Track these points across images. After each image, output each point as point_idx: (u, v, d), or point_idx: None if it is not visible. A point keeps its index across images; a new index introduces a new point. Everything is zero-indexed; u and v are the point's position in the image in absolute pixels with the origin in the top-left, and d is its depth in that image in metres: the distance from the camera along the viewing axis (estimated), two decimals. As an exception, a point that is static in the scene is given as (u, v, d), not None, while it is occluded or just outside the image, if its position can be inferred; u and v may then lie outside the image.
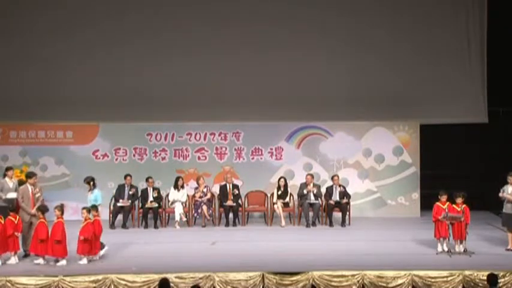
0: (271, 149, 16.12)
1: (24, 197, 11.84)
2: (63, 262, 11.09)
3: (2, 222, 11.29)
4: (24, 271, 10.62)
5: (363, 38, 15.94)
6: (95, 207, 11.65)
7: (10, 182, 13.00)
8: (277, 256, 11.61)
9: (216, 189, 15.27)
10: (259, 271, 10.46)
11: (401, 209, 15.95)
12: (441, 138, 16.12)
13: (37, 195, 12.07)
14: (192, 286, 9.46)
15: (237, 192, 14.88)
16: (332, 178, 15.07)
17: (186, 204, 14.80)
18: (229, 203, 14.63)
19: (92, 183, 12.71)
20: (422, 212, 15.63)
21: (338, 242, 12.85)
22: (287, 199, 15.00)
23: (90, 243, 11.22)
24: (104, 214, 14.78)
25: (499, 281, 9.92)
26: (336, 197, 14.78)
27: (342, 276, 10.44)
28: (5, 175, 13.09)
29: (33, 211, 11.81)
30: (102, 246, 11.66)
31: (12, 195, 12.72)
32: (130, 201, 14.63)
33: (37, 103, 15.67)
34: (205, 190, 14.85)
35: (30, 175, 12.22)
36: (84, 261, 11.18)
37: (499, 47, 15.83)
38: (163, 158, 16.00)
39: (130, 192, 14.71)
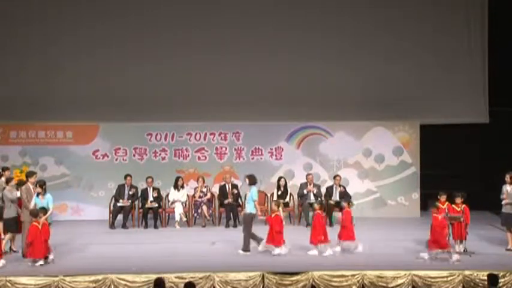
0: (271, 149, 16.12)
1: (28, 197, 11.79)
2: (3, 261, 11.03)
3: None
4: (24, 271, 10.61)
5: (363, 38, 15.99)
6: (43, 210, 11.36)
7: (7, 182, 12.98)
8: (277, 256, 11.61)
9: (215, 190, 15.26)
10: (259, 271, 10.45)
11: (401, 209, 15.94)
12: (441, 138, 16.12)
13: (38, 195, 12.04)
14: (185, 283, 9.40)
15: (236, 192, 14.88)
16: (334, 178, 15.05)
17: (186, 204, 14.80)
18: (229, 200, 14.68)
19: (44, 187, 12.04)
20: (422, 212, 15.64)
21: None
22: (287, 199, 15.00)
23: (37, 246, 11.02)
24: (104, 214, 14.89)
25: (499, 281, 9.91)
26: (336, 197, 14.79)
27: (342, 276, 10.44)
28: (1, 175, 13.06)
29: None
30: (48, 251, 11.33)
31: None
32: (130, 201, 14.63)
33: (37, 103, 15.70)
34: (205, 190, 14.85)
35: (30, 174, 12.16)
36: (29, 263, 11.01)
37: (500, 47, 15.84)
38: (163, 158, 16.00)
39: (130, 192, 14.71)
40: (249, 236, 11.87)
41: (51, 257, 11.21)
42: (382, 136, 16.17)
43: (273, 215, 11.97)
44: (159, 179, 15.33)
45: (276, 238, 11.70)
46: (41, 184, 12.03)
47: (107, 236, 13.66)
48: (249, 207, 12.04)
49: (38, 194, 11.83)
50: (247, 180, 12.27)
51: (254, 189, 12.10)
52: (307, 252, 11.72)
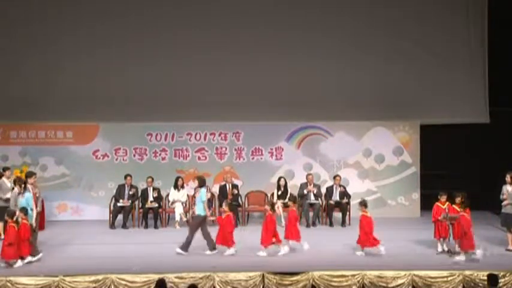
0: (271, 149, 16.11)
1: None
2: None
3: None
4: (24, 271, 10.60)
5: (363, 38, 15.98)
6: (24, 210, 11.25)
7: (8, 182, 13.00)
8: (277, 256, 11.62)
9: (216, 190, 15.25)
10: (260, 271, 10.45)
11: (401, 209, 15.94)
12: (441, 138, 16.11)
13: (37, 195, 12.01)
14: (189, 286, 9.44)
15: (236, 192, 14.88)
16: (334, 178, 15.04)
17: (186, 204, 14.80)
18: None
19: (23, 186, 11.85)
20: (423, 212, 15.63)
21: (338, 242, 12.84)
22: (287, 199, 14.98)
23: (15, 247, 10.94)
24: (104, 214, 14.88)
25: (499, 281, 9.90)
26: (336, 197, 14.79)
27: (342, 276, 10.44)
28: (2, 175, 13.07)
29: (36, 211, 11.75)
30: (36, 252, 11.32)
31: (10, 195, 12.70)
32: (130, 201, 14.62)
33: (37, 103, 15.69)
34: (205, 190, 14.84)
35: (29, 175, 12.12)
36: (19, 263, 10.97)
37: (500, 46, 15.83)
38: (164, 158, 16.00)
39: (131, 192, 14.71)
40: (191, 237, 11.84)
41: (30, 258, 11.13)
42: (382, 136, 16.17)
43: (224, 216, 11.98)
44: (159, 179, 15.33)
45: (227, 238, 11.74)
46: (20, 183, 11.90)
47: (107, 236, 13.66)
48: (199, 209, 12.04)
49: (19, 193, 11.78)
50: (196, 182, 12.29)
51: (203, 191, 12.13)
52: (256, 253, 11.67)
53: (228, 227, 11.83)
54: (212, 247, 11.88)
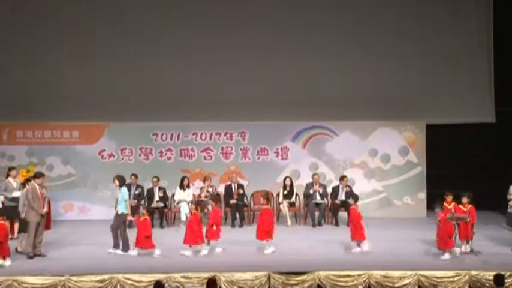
0: (277, 149, 16.10)
1: (34, 197, 11.77)
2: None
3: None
4: (31, 271, 10.62)
5: (368, 38, 15.99)
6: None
7: (14, 182, 13.04)
8: (283, 256, 11.61)
9: (221, 189, 15.25)
10: (265, 271, 10.45)
11: (407, 209, 15.91)
12: (447, 138, 16.09)
13: (44, 195, 12.02)
14: (208, 280, 9.46)
15: (242, 192, 14.88)
16: (341, 178, 14.96)
17: (191, 204, 14.79)
18: (234, 201, 14.68)
19: None
20: (429, 212, 15.60)
21: (344, 241, 12.82)
22: (293, 199, 14.99)
23: None
24: (110, 214, 14.77)
25: (505, 281, 9.87)
26: (341, 196, 14.76)
27: (348, 276, 10.43)
28: (8, 175, 13.10)
29: (44, 211, 11.78)
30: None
31: (16, 194, 12.75)
32: (136, 200, 14.63)
33: (43, 103, 15.75)
34: (211, 190, 14.85)
35: (38, 175, 12.10)
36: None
37: (507, 46, 15.80)
38: (169, 158, 16.01)
39: (136, 192, 14.72)
40: (116, 235, 11.91)
41: (7, 262, 11.10)
42: (388, 136, 16.14)
43: (141, 219, 11.88)
44: (164, 178, 15.32)
45: (146, 242, 11.65)
46: None
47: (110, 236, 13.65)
48: (121, 208, 12.00)
49: None
50: (116, 182, 12.20)
51: (124, 190, 12.10)
52: (180, 252, 11.63)
53: (144, 231, 11.69)
54: (126, 248, 11.84)
